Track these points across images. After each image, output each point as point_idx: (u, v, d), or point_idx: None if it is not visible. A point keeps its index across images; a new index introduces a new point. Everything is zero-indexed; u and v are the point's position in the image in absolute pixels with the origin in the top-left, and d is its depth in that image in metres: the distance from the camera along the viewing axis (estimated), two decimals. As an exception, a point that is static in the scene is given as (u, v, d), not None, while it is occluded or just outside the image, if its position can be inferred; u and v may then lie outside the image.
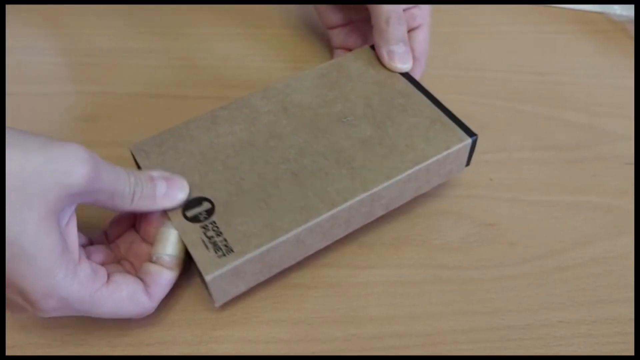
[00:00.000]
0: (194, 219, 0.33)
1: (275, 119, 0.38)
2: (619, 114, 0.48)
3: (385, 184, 0.35)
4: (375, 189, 0.34)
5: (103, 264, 0.33)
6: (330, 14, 0.47)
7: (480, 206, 0.41)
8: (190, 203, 0.34)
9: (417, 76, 0.42)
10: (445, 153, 0.36)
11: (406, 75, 0.41)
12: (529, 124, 0.46)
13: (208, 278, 0.31)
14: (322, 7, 0.47)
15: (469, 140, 0.37)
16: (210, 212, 0.33)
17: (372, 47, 0.42)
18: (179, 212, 0.33)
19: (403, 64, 0.41)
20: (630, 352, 0.34)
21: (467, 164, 0.40)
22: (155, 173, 0.33)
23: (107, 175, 0.29)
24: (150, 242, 0.34)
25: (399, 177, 0.35)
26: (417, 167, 0.35)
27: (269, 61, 0.50)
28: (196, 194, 0.34)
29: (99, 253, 0.34)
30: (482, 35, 0.54)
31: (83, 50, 0.50)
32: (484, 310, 0.36)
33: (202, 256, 0.31)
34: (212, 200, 0.34)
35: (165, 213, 0.33)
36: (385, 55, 0.41)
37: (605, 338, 0.35)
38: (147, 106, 0.46)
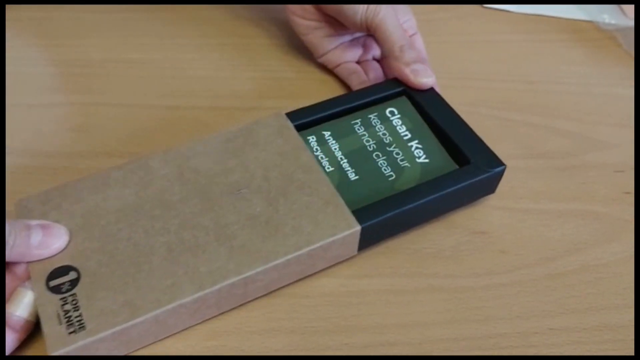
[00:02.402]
0: (56, 290, 0.32)
1: (169, 184, 0.36)
2: (608, 122, 0.48)
3: (261, 269, 0.33)
4: (249, 273, 0.33)
5: None
6: (325, 41, 0.48)
7: (471, 214, 0.41)
8: (56, 272, 0.32)
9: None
10: (330, 240, 0.34)
11: (432, 91, 0.42)
12: (519, 132, 0.47)
13: (53, 354, 0.30)
14: (316, 38, 0.48)
15: (358, 228, 0.35)
16: (74, 282, 0.32)
17: (288, 114, 0.41)
18: (43, 281, 0.32)
19: (428, 78, 0.42)
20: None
21: (493, 191, 0.40)
22: (33, 222, 0.33)
23: None
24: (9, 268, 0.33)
25: (277, 261, 0.33)
26: (297, 253, 0.34)
27: (260, 71, 0.50)
28: (65, 262, 0.33)
29: None
30: (472, 44, 0.55)
31: (74, 61, 0.50)
32: (476, 318, 0.36)
33: (52, 331, 0.30)
34: (80, 270, 0.32)
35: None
36: (410, 73, 0.42)
37: (596, 345, 0.35)
38: (138, 117, 0.46)
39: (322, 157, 0.39)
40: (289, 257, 0.34)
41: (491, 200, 0.42)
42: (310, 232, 0.34)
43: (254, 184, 0.37)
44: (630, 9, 0.58)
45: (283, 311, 0.36)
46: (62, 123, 0.45)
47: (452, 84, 0.50)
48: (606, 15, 0.58)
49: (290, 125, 0.40)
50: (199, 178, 0.37)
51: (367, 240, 0.37)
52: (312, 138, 0.40)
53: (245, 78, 0.49)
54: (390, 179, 0.38)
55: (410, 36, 0.48)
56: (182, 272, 0.33)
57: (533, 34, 0.56)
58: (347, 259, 0.38)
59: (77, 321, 0.31)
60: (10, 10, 0.53)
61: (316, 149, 0.40)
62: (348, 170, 0.38)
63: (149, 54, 0.51)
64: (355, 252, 0.37)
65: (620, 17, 0.58)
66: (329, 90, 0.49)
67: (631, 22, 0.57)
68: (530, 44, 0.55)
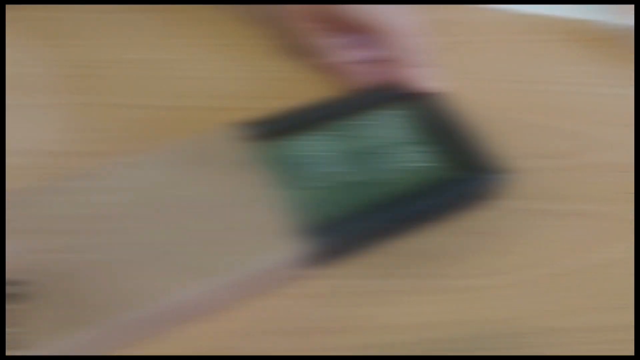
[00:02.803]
0: None
1: (112, 197, 0.35)
2: (609, 122, 0.48)
3: (197, 288, 0.32)
4: (185, 292, 0.32)
5: None
6: (325, 42, 0.48)
7: (471, 214, 0.41)
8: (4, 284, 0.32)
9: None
10: (273, 260, 0.34)
11: (434, 94, 0.42)
12: (519, 132, 0.47)
13: None
14: (315, 39, 0.47)
15: (303, 249, 0.34)
16: (13, 297, 0.31)
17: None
18: None
19: (430, 80, 0.42)
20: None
21: (494, 197, 0.40)
22: None
23: None
24: None
25: (216, 281, 0.33)
26: (237, 273, 0.33)
27: (259, 71, 0.50)
28: (14, 275, 0.32)
29: None
30: (472, 44, 0.54)
31: (74, 61, 0.50)
32: (476, 319, 0.36)
33: None
34: (19, 284, 0.32)
35: None
36: (412, 76, 0.42)
37: (596, 345, 0.35)
38: (138, 117, 0.46)
39: (318, 159, 0.39)
40: (228, 277, 0.33)
41: (491, 200, 0.42)
42: (254, 251, 0.33)
43: (204, 199, 0.35)
44: (630, 9, 0.58)
45: (282, 311, 0.36)
46: (62, 123, 0.45)
47: (451, 85, 0.50)
48: (606, 15, 0.58)
49: (243, 137, 0.39)
50: (152, 191, 0.36)
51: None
52: (309, 139, 0.40)
53: (245, 79, 0.49)
54: (387, 182, 0.38)
55: (412, 37, 0.48)
56: (121, 289, 0.32)
57: (533, 34, 0.56)
58: (347, 259, 0.38)
59: (15, 337, 0.30)
60: (10, 10, 0.53)
61: (312, 150, 0.39)
62: (343, 172, 0.38)
63: (149, 54, 0.51)
64: (307, 270, 0.36)
65: (620, 17, 0.58)
66: (329, 91, 0.49)
67: (631, 22, 0.57)
68: (530, 44, 0.55)
